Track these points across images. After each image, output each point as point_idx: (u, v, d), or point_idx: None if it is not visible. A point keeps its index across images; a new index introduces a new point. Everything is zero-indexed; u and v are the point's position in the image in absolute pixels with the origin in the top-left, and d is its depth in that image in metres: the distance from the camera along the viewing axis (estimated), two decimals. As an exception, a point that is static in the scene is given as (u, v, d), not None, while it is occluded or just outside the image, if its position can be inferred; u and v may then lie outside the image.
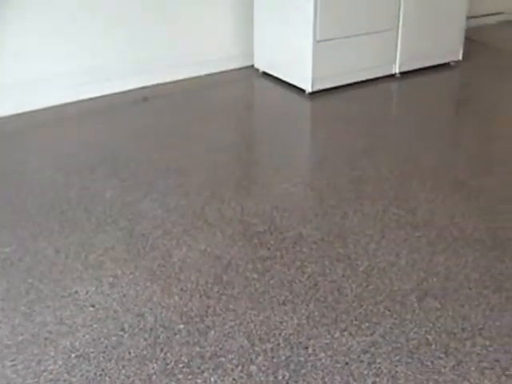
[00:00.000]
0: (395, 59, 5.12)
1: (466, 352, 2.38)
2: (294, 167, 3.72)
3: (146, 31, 4.69)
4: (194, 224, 3.11)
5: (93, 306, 2.56)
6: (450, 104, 5.08)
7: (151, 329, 2.44)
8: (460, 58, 5.58)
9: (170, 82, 4.86)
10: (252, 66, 5.17)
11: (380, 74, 5.09)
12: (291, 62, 4.82)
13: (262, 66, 5.10)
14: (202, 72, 5.01)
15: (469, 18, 5.82)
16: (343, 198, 3.36)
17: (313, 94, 4.69)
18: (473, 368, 2.31)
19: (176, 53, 4.87)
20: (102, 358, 2.30)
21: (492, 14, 6.86)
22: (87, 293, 2.64)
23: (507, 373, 2.30)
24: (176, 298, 2.61)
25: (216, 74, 5.06)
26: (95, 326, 2.46)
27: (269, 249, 2.92)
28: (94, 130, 4.23)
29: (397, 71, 5.16)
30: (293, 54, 4.76)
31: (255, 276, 2.74)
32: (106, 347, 2.36)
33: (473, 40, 6.10)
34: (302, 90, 4.72)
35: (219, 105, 4.63)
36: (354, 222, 3.15)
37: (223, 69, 5.10)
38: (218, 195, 3.36)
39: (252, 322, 2.48)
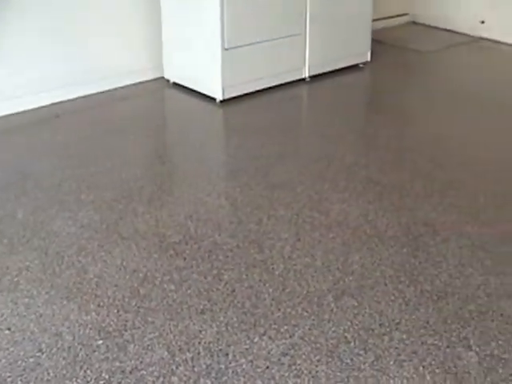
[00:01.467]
0: (304, 63, 5.17)
1: (384, 347, 2.42)
2: (207, 177, 3.71)
3: (54, 47, 4.62)
4: (108, 239, 3.08)
5: (8, 328, 2.51)
6: (360, 104, 5.17)
7: (69, 347, 2.41)
8: (368, 59, 5.68)
9: (81, 98, 4.79)
10: (162, 77, 5.15)
11: (290, 79, 5.13)
12: (201, 72, 4.81)
13: (171, 76, 5.08)
14: (112, 86, 4.95)
15: (375, 20, 5.94)
16: (257, 205, 3.37)
17: (224, 102, 4.70)
18: (391, 362, 2.35)
19: (84, 68, 4.80)
20: (19, 382, 2.26)
21: (397, 16, 7.01)
22: (2, 316, 2.58)
23: (424, 364, 2.35)
24: (93, 314, 2.58)
25: (126, 87, 5.01)
26: (11, 349, 2.41)
27: (185, 259, 2.92)
28: (4, 148, 4.14)
29: (307, 75, 5.21)
30: (202, 63, 4.76)
31: (172, 287, 2.73)
32: (24, 370, 2.31)
33: (380, 41, 6.22)
34: (213, 99, 4.72)
35: (130, 118, 4.59)
36: (268, 227, 3.17)
37: (133, 82, 5.06)
38: (132, 209, 3.33)
39: (171, 332, 2.47)
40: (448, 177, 3.73)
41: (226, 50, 4.58)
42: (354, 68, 5.57)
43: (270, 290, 2.71)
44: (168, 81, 5.11)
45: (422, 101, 5.00)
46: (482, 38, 6.59)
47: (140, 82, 5.10)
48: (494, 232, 3.19)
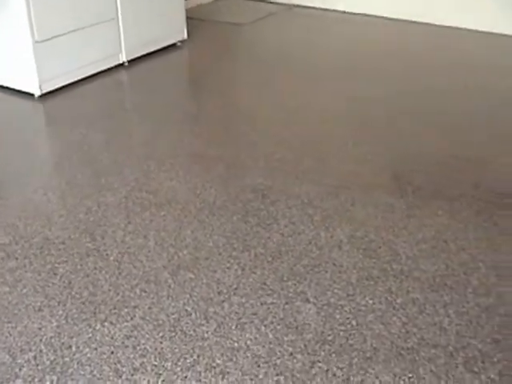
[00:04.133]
0: (121, 48, 5.13)
1: (224, 313, 2.47)
2: (31, 174, 3.61)
3: None
4: None
5: None
6: (181, 83, 5.17)
7: None
8: (185, 37, 5.71)
9: None
10: (-25, 79, 4.97)
11: (108, 65, 5.08)
12: (14, 68, 4.66)
13: (-15, 77, 4.92)
14: None
15: (188, -3, 5.98)
16: (85, 194, 3.33)
17: (43, 96, 4.59)
18: (233, 327, 2.41)
19: None
20: None
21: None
22: None
23: (265, 323, 2.42)
24: None
25: None
26: None
27: (17, 259, 2.85)
28: None
29: (124, 60, 5.18)
30: (14, 59, 4.61)
31: (6, 289, 2.66)
32: None
33: (196, 18, 6.28)
34: (32, 95, 4.61)
35: None
36: (98, 214, 3.15)
37: None
38: (-44, 217, 3.23)
39: (10, 335, 2.42)
40: (272, 143, 3.83)
41: (38, 42, 4.46)
42: (172, 47, 5.59)
43: (107, 276, 2.70)
44: (-19, 82, 4.93)
45: (241, 72, 5.08)
46: (295, 6, 6.78)
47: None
48: (319, 189, 3.31)
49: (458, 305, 2.53)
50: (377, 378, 2.20)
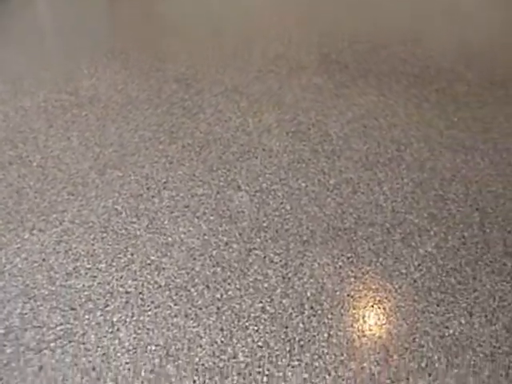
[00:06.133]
0: None
1: (155, 209, 2.41)
2: None
3: None
4: None
5: None
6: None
7: None
8: None
9: None
10: None
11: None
12: None
13: None
14: None
15: None
16: (0, 100, 3.19)
17: None
18: (166, 221, 2.35)
19: None
20: None
21: None
22: None
23: (198, 214, 2.38)
24: None
25: None
26: None
27: None
28: None
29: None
30: None
31: None
32: None
33: None
34: None
35: None
36: (17, 120, 3.02)
37: None
38: None
39: None
40: (195, 29, 3.72)
41: None
42: None
43: (31, 183, 2.60)
44: None
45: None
46: None
47: None
48: (245, 75, 3.23)
49: (393, 182, 2.51)
50: (315, 260, 2.17)
